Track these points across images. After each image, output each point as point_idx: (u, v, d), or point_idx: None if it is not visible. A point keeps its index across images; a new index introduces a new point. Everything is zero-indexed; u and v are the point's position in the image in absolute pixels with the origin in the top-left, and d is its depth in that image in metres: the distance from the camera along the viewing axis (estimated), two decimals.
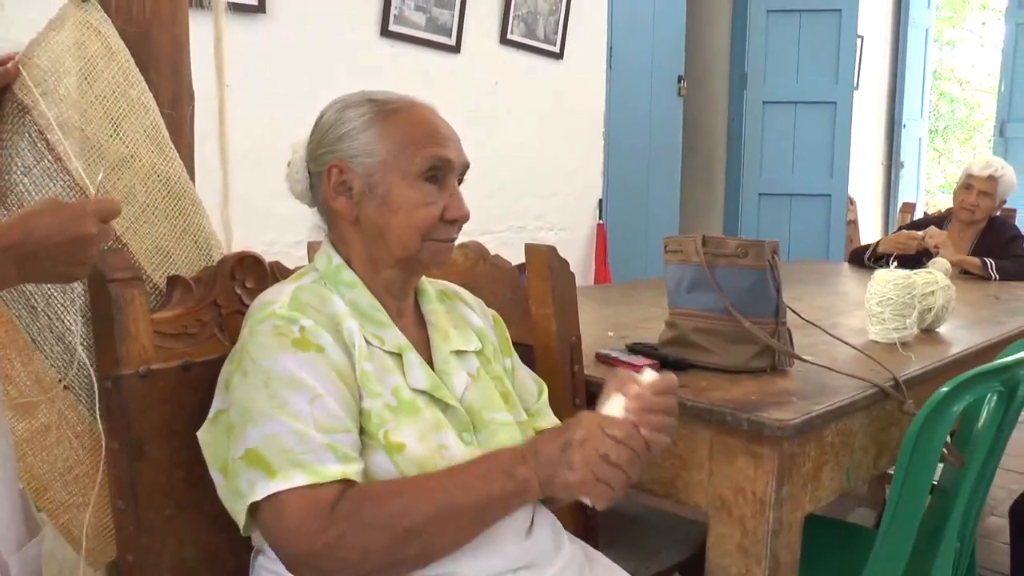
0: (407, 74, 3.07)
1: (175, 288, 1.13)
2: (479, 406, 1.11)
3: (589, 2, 3.89)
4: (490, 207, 3.44)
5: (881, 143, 6.38)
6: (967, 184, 3.18)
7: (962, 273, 2.93)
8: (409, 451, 1.00)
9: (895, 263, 1.83)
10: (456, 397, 1.09)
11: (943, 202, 4.31)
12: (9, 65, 1.04)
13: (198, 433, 1.04)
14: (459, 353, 1.15)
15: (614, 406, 0.99)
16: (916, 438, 1.26)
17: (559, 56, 3.77)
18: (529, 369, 1.28)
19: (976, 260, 3.01)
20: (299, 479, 0.92)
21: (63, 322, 1.07)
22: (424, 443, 1.01)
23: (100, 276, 1.03)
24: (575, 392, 1.39)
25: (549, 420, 1.24)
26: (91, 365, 1.07)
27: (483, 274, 1.45)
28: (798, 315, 1.61)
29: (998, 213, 3.27)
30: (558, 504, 1.17)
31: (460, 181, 1.12)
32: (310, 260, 1.20)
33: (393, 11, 3.02)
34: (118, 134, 1.10)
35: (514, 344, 1.27)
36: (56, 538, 1.12)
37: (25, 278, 0.87)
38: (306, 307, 1.02)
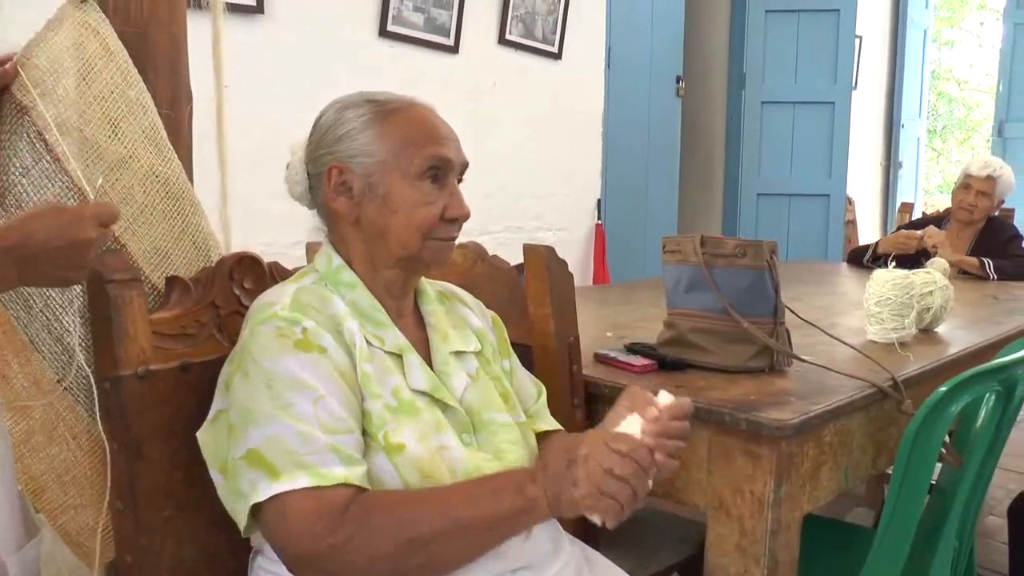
0: (406, 74, 3.06)
1: (173, 289, 1.13)
2: (479, 407, 1.11)
3: (587, 2, 3.88)
4: (488, 207, 3.44)
5: (879, 143, 6.38)
6: (965, 184, 3.18)
7: (960, 273, 2.93)
8: (409, 452, 1.00)
9: (893, 263, 1.84)
10: (456, 398, 1.09)
11: (941, 202, 4.31)
12: (7, 66, 1.04)
13: (198, 433, 1.04)
14: (458, 354, 1.15)
15: (631, 425, 0.97)
16: (914, 438, 1.26)
17: (557, 56, 3.77)
18: (528, 371, 1.28)
19: (974, 260, 3.01)
20: (303, 480, 0.92)
21: (61, 323, 1.06)
22: (424, 444, 1.01)
23: (98, 277, 1.03)
24: (573, 392, 1.39)
25: (548, 422, 1.24)
26: (89, 366, 1.07)
27: (481, 274, 1.45)
28: (796, 315, 1.61)
29: (996, 213, 3.27)
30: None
31: (459, 180, 1.12)
32: (308, 261, 1.20)
33: (391, 11, 3.02)
34: (116, 135, 1.10)
35: (512, 344, 1.27)
36: (55, 539, 1.12)
37: (25, 281, 0.87)
38: (307, 308, 1.02)
